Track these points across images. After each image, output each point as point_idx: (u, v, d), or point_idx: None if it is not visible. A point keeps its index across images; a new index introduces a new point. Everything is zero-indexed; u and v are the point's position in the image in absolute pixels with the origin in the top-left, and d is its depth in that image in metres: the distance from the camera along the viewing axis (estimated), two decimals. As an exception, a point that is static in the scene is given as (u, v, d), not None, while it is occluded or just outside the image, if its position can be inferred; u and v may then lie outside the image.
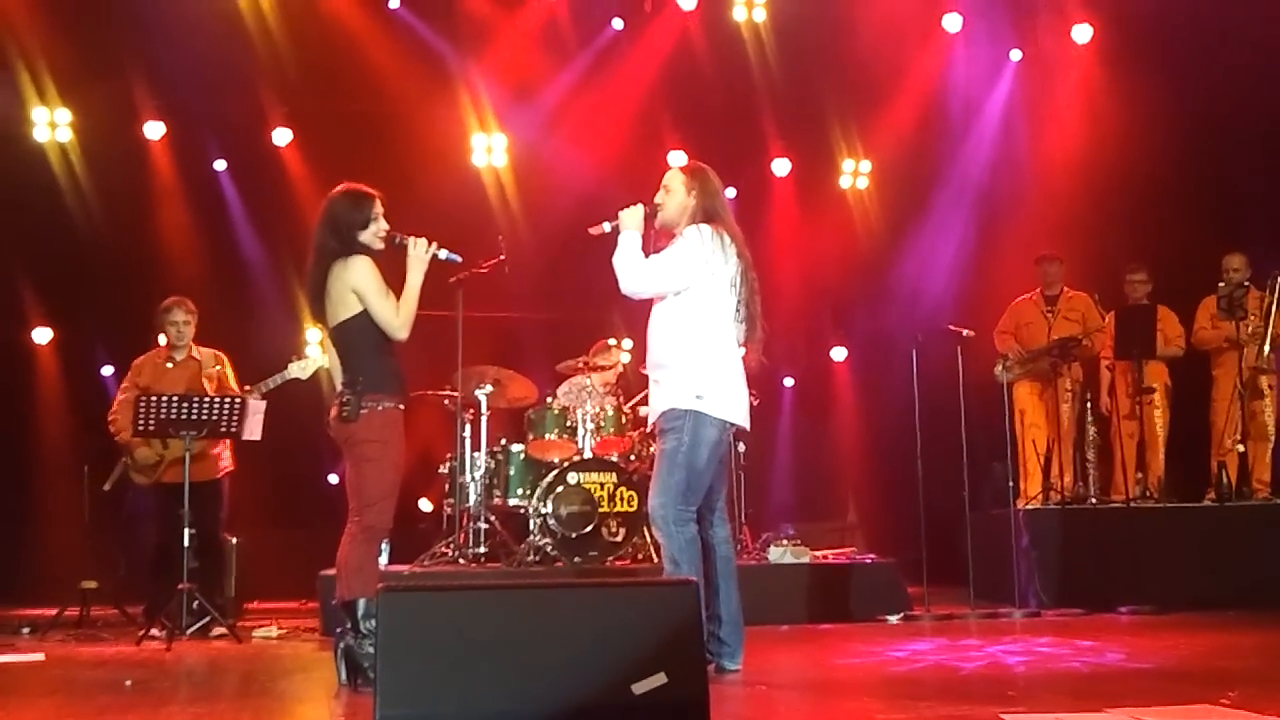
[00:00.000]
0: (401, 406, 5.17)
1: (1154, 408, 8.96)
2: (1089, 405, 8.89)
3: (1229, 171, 9.88)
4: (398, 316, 5.10)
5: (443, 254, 5.29)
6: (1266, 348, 8.65)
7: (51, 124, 10.04)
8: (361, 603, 4.94)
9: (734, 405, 5.19)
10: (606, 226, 5.28)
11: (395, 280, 5.18)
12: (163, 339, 7.86)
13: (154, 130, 10.27)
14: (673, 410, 5.14)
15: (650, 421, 5.42)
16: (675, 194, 5.29)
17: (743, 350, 5.31)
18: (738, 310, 5.22)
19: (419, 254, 5.20)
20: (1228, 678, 4.83)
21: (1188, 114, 9.85)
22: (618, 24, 10.85)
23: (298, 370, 7.31)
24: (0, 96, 9.80)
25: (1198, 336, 9.09)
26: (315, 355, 7.43)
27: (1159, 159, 9.82)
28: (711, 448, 5.13)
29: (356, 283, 5.08)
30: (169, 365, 7.77)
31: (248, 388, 7.54)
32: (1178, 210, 9.60)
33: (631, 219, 5.22)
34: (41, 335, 10.39)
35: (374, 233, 5.18)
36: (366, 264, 5.11)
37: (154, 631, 6.91)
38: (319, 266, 5.14)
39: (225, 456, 7.79)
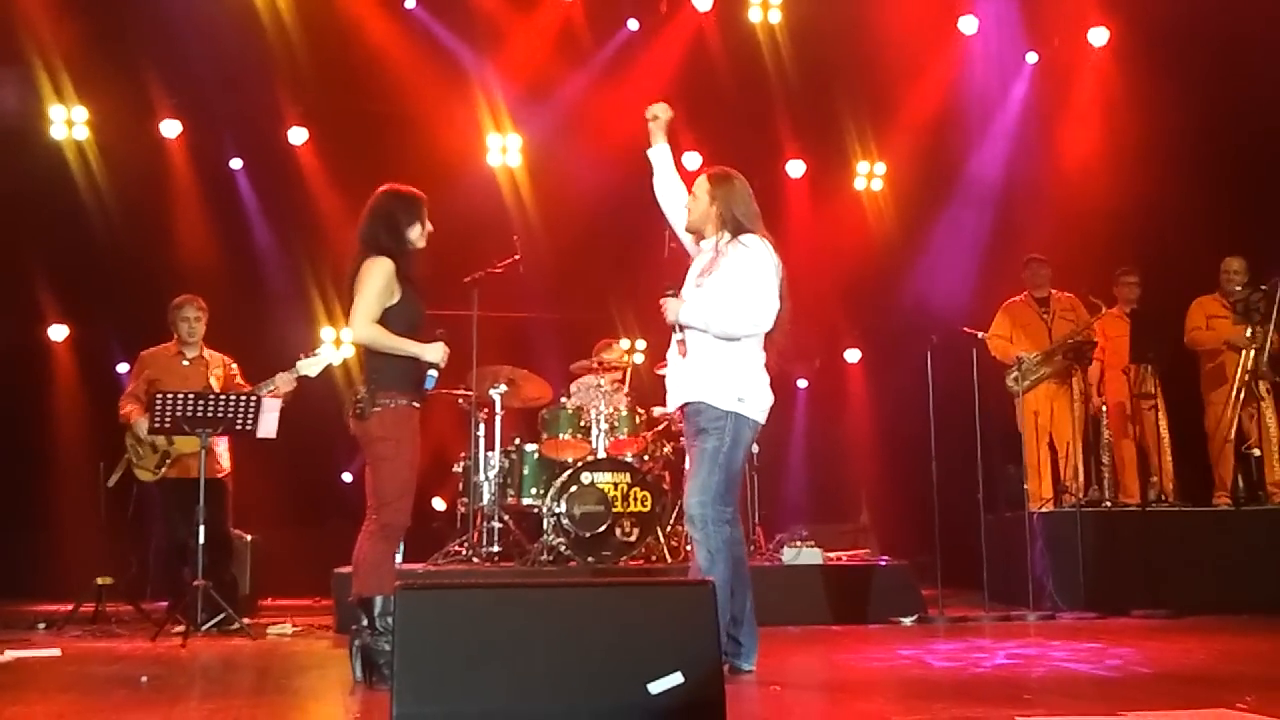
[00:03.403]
0: (416, 404, 5.18)
1: (1155, 411, 8.94)
2: (1104, 408, 8.88)
3: (1237, 175, 9.84)
4: (361, 321, 5.09)
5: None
6: (1267, 352, 8.64)
7: (68, 122, 10.07)
8: (378, 600, 4.96)
9: (765, 407, 5.27)
10: (677, 335, 5.27)
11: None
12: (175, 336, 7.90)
13: (170, 128, 10.30)
14: (713, 410, 5.14)
15: (674, 406, 5.39)
16: (700, 201, 5.37)
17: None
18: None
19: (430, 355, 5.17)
20: (1244, 681, 4.82)
21: (1202, 117, 9.81)
22: (633, 25, 10.85)
23: (306, 367, 7.17)
24: (17, 94, 9.83)
25: (1192, 337, 9.05)
26: (326, 352, 7.31)
27: (1172, 162, 9.79)
28: (745, 450, 5.24)
29: (361, 275, 5.11)
30: (183, 363, 7.82)
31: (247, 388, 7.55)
32: (1184, 212, 9.57)
33: (673, 307, 5.25)
34: (58, 332, 10.44)
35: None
36: (381, 265, 5.12)
37: (169, 628, 6.94)
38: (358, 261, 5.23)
39: (224, 457, 7.83)
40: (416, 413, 5.19)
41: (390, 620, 4.77)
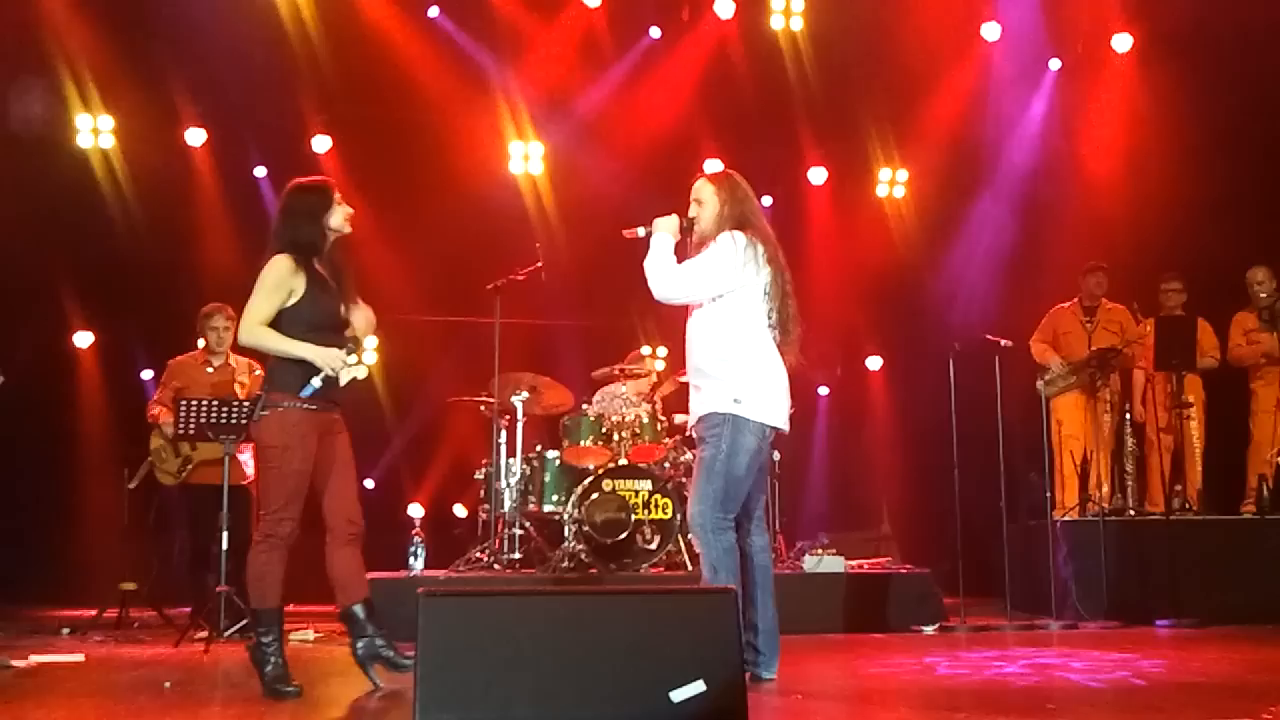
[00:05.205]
0: (311, 408, 4.91)
1: (1190, 420, 8.89)
2: (1127, 416, 8.83)
3: (1267, 183, 9.78)
4: (247, 323, 4.93)
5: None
6: None
7: (94, 130, 10.17)
8: (262, 612, 5.00)
9: (773, 408, 5.14)
10: (641, 231, 5.29)
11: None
12: (201, 343, 7.96)
13: (195, 137, 10.39)
14: (712, 415, 5.10)
15: (690, 427, 5.41)
16: (709, 205, 5.26)
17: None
18: (769, 315, 5.20)
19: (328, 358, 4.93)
20: (1269, 691, 4.79)
21: (1227, 124, 9.75)
22: (655, 33, 10.88)
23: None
24: (44, 103, 9.91)
25: (1233, 354, 9.02)
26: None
27: (1198, 169, 9.73)
28: (751, 455, 5.08)
29: (260, 276, 4.98)
30: (208, 370, 7.87)
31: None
32: (1216, 221, 9.52)
33: (666, 225, 5.24)
34: (83, 339, 10.52)
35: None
36: (274, 264, 4.99)
37: (192, 634, 6.97)
38: None
39: (248, 464, 7.85)
40: (312, 416, 4.92)
41: (270, 634, 4.96)
